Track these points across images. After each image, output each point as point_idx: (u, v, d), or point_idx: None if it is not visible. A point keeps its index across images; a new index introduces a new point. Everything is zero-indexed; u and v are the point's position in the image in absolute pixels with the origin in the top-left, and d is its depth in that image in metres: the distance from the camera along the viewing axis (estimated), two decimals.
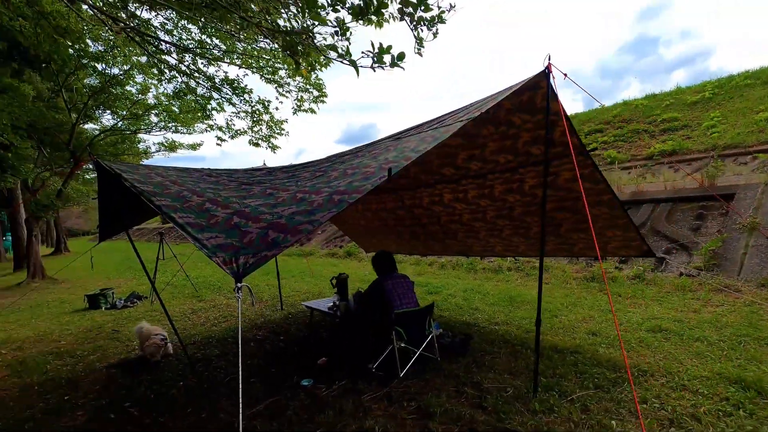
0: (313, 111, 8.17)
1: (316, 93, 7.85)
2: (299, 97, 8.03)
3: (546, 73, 2.97)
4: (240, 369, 1.81)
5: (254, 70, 7.38)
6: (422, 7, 2.22)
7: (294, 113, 8.23)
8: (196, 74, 6.93)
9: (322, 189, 2.28)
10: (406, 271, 9.87)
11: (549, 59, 2.97)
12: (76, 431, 3.37)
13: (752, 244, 5.87)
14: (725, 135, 11.58)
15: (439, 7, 2.31)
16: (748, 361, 3.60)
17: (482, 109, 2.70)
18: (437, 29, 2.32)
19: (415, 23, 2.29)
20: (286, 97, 8.01)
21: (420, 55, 2.48)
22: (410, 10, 2.20)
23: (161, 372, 4.46)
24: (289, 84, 7.61)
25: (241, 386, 1.86)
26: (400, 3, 2.19)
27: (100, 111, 15.36)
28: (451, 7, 2.26)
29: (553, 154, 3.70)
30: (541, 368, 3.82)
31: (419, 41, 2.39)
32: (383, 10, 2.10)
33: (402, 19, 2.24)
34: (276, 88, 7.78)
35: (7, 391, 4.29)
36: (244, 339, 5.46)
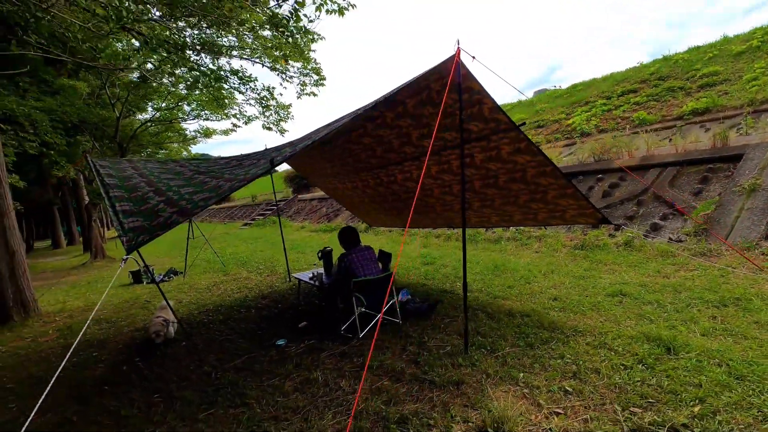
0: (314, 94, 8.59)
1: (315, 77, 8.24)
2: (302, 82, 8.46)
3: (456, 59, 3.18)
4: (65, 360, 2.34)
5: (258, 60, 7.88)
6: (293, 19, 2.52)
7: (298, 97, 8.70)
8: (202, 68, 7.53)
9: (238, 177, 2.72)
10: (413, 243, 10.25)
11: (458, 44, 3.19)
12: (95, 380, 4.18)
13: (747, 207, 5.65)
14: (766, 88, 10.64)
15: (307, 17, 2.59)
16: (682, 322, 3.71)
17: (387, 95, 2.99)
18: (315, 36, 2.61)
19: (288, 35, 2.59)
20: (290, 82, 8.47)
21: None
22: (283, 23, 2.51)
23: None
24: (289, 70, 8.05)
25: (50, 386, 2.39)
26: (271, 19, 2.51)
27: (142, 104, 16.71)
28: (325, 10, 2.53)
29: (490, 129, 3.90)
30: (486, 330, 4.15)
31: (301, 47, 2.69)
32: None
33: (276, 31, 2.56)
34: (279, 74, 8.25)
35: (52, 350, 5.26)
36: (247, 308, 6.16)
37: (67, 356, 2.28)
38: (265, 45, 6.43)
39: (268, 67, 7.90)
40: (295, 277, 5.90)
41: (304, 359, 3.97)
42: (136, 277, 9.70)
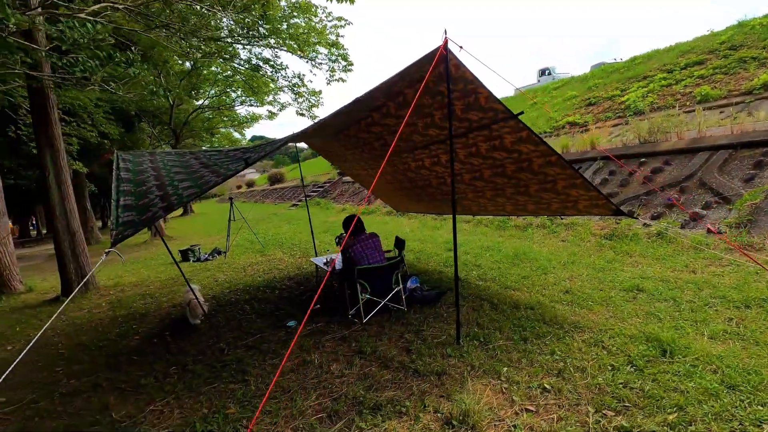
0: (343, 80, 8.67)
1: (343, 62, 8.30)
2: (330, 68, 8.57)
3: (445, 49, 3.12)
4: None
5: (288, 48, 8.06)
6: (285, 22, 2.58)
7: (327, 84, 8.82)
8: (236, 59, 7.85)
9: (229, 171, 2.90)
10: (443, 227, 10.20)
11: (445, 34, 3.12)
12: (128, 350, 4.68)
13: None
14: None
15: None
16: (692, 323, 3.48)
17: (380, 87, 3.02)
18: None
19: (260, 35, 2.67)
20: (319, 68, 8.60)
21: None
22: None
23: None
24: (317, 57, 8.16)
25: None
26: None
27: (194, 92, 17.70)
28: None
29: (489, 118, 3.80)
30: (485, 321, 4.14)
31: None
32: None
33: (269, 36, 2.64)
34: (308, 61, 8.40)
35: (102, 320, 5.92)
36: (272, 288, 6.51)
37: (41, 332, 2.60)
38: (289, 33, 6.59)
39: (298, 56, 8.07)
40: (312, 262, 6.13)
41: (306, 341, 4.18)
42: (184, 255, 10.51)
